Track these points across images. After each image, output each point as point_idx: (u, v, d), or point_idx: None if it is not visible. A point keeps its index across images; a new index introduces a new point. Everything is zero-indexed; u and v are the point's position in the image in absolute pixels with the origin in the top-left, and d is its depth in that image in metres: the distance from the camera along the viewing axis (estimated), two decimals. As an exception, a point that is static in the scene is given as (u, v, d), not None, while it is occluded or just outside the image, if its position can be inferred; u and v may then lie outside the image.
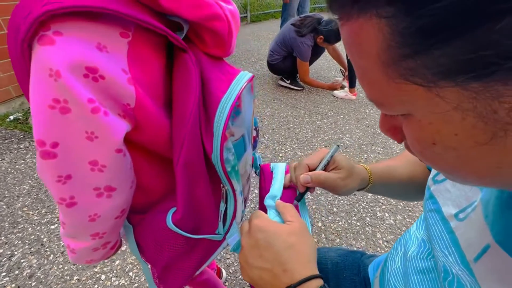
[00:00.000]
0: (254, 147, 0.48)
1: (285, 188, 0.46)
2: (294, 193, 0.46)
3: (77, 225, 0.34)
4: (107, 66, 0.26)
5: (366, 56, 0.18)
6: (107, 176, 0.31)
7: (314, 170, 0.43)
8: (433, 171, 0.39)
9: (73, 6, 0.23)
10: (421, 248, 0.39)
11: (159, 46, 0.31)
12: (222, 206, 0.38)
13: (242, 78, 0.34)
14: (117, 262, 1.17)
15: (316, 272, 0.33)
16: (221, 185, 0.35)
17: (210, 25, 0.31)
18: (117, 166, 0.31)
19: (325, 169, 0.44)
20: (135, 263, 1.16)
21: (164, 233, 0.37)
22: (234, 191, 0.36)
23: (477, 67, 0.14)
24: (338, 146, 0.46)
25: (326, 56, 3.26)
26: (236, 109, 0.32)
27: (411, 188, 0.53)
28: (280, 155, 1.86)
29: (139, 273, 1.13)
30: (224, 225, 0.39)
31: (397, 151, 1.92)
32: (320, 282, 0.31)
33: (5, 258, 1.16)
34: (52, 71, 0.24)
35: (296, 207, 0.44)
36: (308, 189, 0.44)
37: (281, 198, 0.44)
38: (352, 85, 2.59)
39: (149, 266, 0.44)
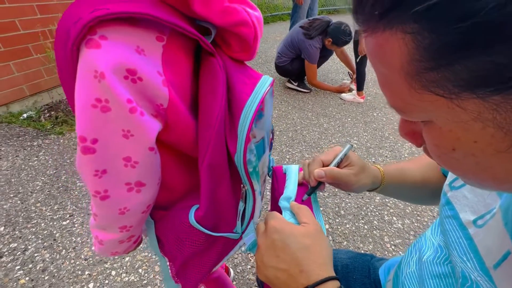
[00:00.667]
0: (270, 149, 0.49)
1: (299, 185, 0.48)
2: (305, 189, 0.47)
3: (108, 217, 0.35)
4: (145, 69, 0.28)
5: (389, 67, 0.19)
6: (138, 172, 0.32)
7: (328, 166, 0.45)
8: (450, 177, 0.39)
9: (119, 12, 0.25)
10: (437, 253, 0.39)
11: (188, 50, 0.32)
12: (241, 205, 0.39)
13: (265, 82, 0.35)
14: (127, 258, 1.19)
15: (333, 273, 0.33)
16: (242, 185, 0.37)
17: (237, 31, 0.33)
18: (148, 163, 0.33)
19: (338, 166, 0.45)
20: (145, 260, 1.18)
21: (186, 229, 0.39)
22: (254, 191, 0.37)
23: (496, 81, 0.15)
24: (352, 145, 0.48)
25: (334, 59, 3.25)
26: (259, 112, 0.33)
27: (425, 192, 0.53)
28: (287, 157, 1.87)
29: (148, 270, 1.15)
30: (242, 224, 0.41)
31: (405, 155, 1.91)
32: (337, 284, 0.32)
33: (19, 252, 1.20)
34: (97, 72, 0.25)
35: (310, 205, 0.45)
36: (319, 184, 0.45)
37: (296, 197, 0.45)
38: (360, 88, 2.58)
39: (168, 262, 0.46)
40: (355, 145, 2.00)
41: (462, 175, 0.23)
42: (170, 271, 0.45)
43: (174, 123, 0.33)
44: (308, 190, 0.46)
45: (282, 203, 0.43)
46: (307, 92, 2.80)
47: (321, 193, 1.56)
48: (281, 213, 0.41)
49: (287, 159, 1.84)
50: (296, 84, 2.80)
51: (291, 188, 0.46)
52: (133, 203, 0.35)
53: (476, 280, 0.29)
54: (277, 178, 0.51)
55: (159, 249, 0.44)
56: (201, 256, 0.42)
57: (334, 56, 2.90)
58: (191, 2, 0.28)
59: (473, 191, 0.33)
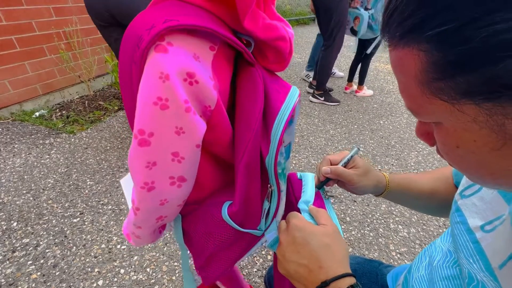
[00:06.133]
0: None
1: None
2: (320, 195, 0.52)
3: (149, 210, 0.38)
4: (201, 73, 0.31)
5: (406, 75, 0.23)
6: (183, 167, 0.35)
7: (335, 165, 0.51)
8: (461, 187, 0.42)
9: (187, 24, 0.29)
10: (447, 257, 0.42)
11: (230, 59, 0.36)
12: (266, 204, 0.41)
13: (295, 92, 0.38)
14: (135, 257, 1.21)
15: (349, 271, 0.35)
16: (269, 185, 0.39)
17: (275, 44, 0.36)
18: (193, 160, 0.36)
19: (345, 166, 0.51)
20: (153, 260, 1.20)
21: (216, 224, 0.41)
22: (280, 191, 0.40)
23: (487, 92, 0.18)
24: (359, 148, 0.53)
25: (341, 65, 3.29)
26: (291, 119, 0.36)
27: (433, 202, 0.55)
28: (294, 162, 1.89)
29: (156, 269, 1.17)
30: (265, 222, 0.43)
31: (411, 163, 1.92)
32: (353, 280, 0.34)
33: (31, 248, 1.22)
34: (162, 74, 0.29)
35: (322, 203, 0.49)
36: (327, 180, 0.51)
37: (313, 202, 0.48)
38: (361, 83, 2.78)
39: (189, 255, 0.48)
40: (361, 153, 2.02)
41: (466, 171, 0.26)
42: (190, 264, 0.47)
43: (216, 124, 0.36)
44: (317, 184, 0.52)
45: (301, 205, 0.46)
46: (337, 105, 2.68)
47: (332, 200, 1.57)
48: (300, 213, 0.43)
49: (293, 165, 1.86)
50: (322, 99, 2.67)
51: (309, 193, 0.49)
52: (172, 196, 0.37)
53: (482, 280, 0.32)
54: (292, 183, 0.54)
55: (183, 241, 0.46)
56: (226, 251, 0.44)
57: (341, 62, 2.93)
58: (242, 19, 0.32)
59: (482, 200, 0.36)
